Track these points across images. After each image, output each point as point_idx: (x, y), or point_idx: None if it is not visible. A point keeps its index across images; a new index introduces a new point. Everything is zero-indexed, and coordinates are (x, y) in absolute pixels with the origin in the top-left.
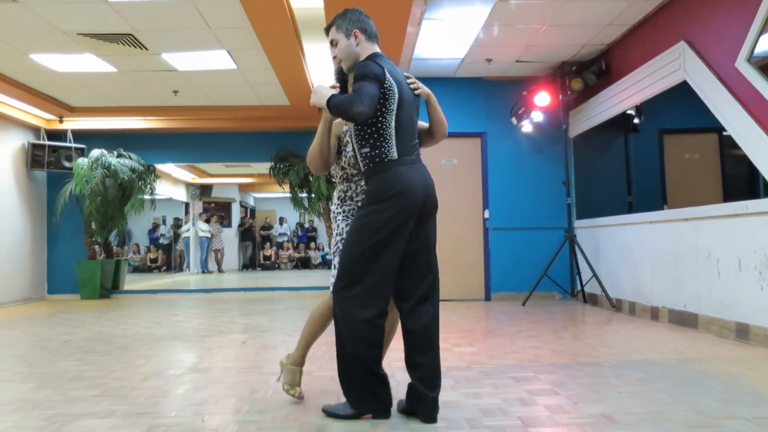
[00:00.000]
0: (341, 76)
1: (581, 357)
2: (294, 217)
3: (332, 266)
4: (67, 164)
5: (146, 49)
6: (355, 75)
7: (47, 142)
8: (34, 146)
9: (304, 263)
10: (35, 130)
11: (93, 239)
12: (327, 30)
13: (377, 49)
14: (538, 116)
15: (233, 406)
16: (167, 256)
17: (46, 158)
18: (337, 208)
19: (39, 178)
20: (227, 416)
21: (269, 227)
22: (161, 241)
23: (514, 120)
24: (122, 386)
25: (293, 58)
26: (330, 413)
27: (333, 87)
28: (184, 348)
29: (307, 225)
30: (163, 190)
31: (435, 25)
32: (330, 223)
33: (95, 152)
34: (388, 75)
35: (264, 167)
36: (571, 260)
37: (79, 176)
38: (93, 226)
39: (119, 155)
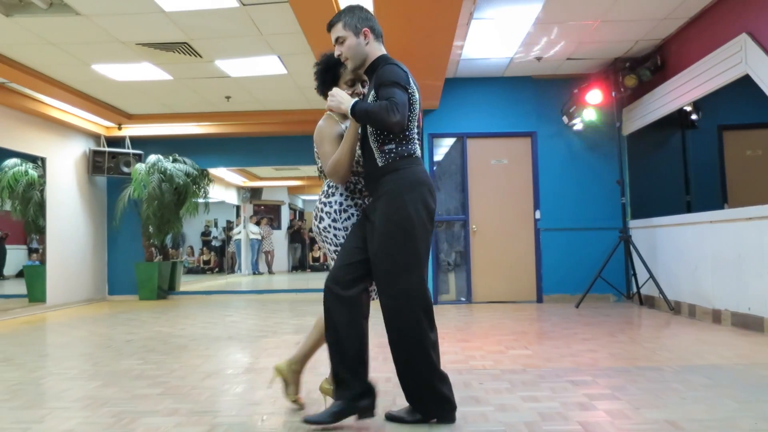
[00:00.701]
0: (325, 75)
1: (640, 361)
2: None
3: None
4: (125, 170)
5: (200, 56)
6: (384, 80)
7: (107, 149)
8: (95, 153)
9: None
10: (96, 138)
11: (150, 242)
12: (331, 26)
13: (384, 50)
14: (590, 114)
15: (290, 407)
16: (219, 258)
17: (106, 164)
18: (346, 200)
19: (99, 184)
20: (285, 417)
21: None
22: (213, 243)
23: (565, 119)
24: (183, 385)
25: None
26: (314, 421)
27: (356, 93)
28: (240, 348)
29: None
30: (215, 193)
31: (484, 25)
32: None
33: (152, 158)
34: (411, 79)
35: (312, 170)
36: (627, 261)
37: (137, 181)
38: (150, 229)
39: (174, 160)
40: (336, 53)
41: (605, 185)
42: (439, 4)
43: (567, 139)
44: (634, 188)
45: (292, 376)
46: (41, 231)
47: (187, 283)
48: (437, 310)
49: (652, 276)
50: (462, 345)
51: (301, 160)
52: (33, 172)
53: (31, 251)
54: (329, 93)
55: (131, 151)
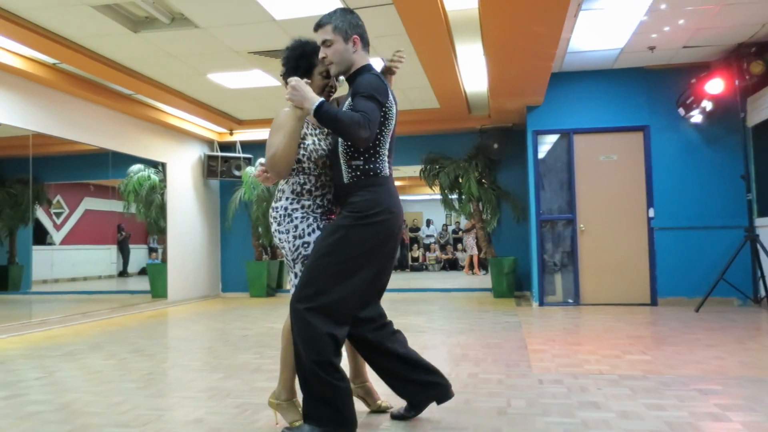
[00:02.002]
0: (299, 62)
1: None
2: (440, 218)
3: (293, 274)
4: (236, 173)
5: None
6: (362, 91)
7: (220, 153)
8: (209, 157)
9: (451, 265)
10: (209, 143)
11: (259, 242)
12: (320, 26)
13: (369, 59)
14: (709, 105)
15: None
16: None
17: (219, 168)
18: (291, 204)
19: (213, 187)
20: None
21: (417, 229)
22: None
23: (681, 111)
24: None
25: (445, 61)
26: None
27: (329, 86)
28: (347, 344)
29: (453, 226)
30: None
31: (593, 15)
32: (476, 222)
33: (261, 161)
34: (390, 93)
35: (412, 170)
36: (753, 262)
37: (247, 184)
38: (259, 230)
39: None
40: (321, 55)
41: (727, 181)
42: None
43: (683, 133)
44: (762, 184)
45: (361, 390)
46: (162, 231)
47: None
48: (542, 311)
49: None
50: (574, 348)
51: (402, 160)
52: (155, 177)
53: (151, 250)
54: (291, 84)
55: (242, 155)
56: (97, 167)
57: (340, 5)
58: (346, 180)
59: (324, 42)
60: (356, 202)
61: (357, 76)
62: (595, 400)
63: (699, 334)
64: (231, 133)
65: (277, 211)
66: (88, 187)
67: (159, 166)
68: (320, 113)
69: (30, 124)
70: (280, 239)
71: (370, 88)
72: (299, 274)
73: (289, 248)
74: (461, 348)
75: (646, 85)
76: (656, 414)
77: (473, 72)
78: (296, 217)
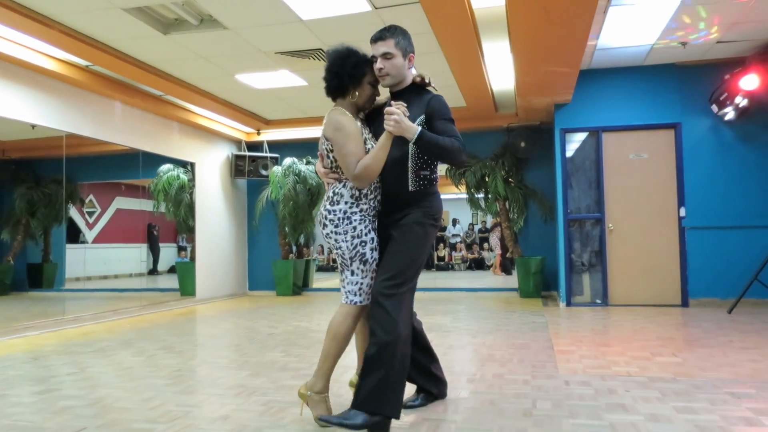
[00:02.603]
0: (359, 69)
1: None
2: (466, 218)
3: (349, 272)
4: (263, 172)
5: None
6: (444, 115)
7: (247, 153)
8: (237, 157)
9: (477, 264)
10: (237, 143)
11: (286, 240)
12: (382, 39)
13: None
14: (743, 102)
15: (428, 405)
16: None
17: (246, 167)
18: (351, 207)
19: (240, 186)
20: (423, 414)
21: (443, 228)
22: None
23: (714, 107)
24: None
25: (472, 60)
26: (339, 422)
27: (400, 105)
28: None
29: (479, 225)
30: None
31: (623, 11)
32: (502, 222)
33: (287, 160)
34: None
35: (438, 169)
36: None
37: (275, 183)
38: (286, 229)
39: (308, 162)
40: (378, 66)
41: (761, 179)
42: None
43: (717, 130)
44: None
45: None
46: (191, 230)
47: (318, 280)
48: (570, 311)
49: None
50: (602, 349)
51: None
52: (184, 177)
53: (180, 249)
54: (390, 111)
55: (269, 155)
56: (127, 167)
57: (368, 7)
58: (411, 188)
59: (385, 54)
60: (431, 206)
61: (407, 91)
62: (623, 402)
63: (732, 336)
64: (258, 133)
65: (335, 214)
66: (119, 186)
67: (188, 166)
68: (422, 140)
69: (64, 125)
70: (336, 240)
71: (448, 111)
72: (356, 271)
73: (347, 247)
74: (487, 348)
75: (678, 82)
76: (686, 417)
77: (500, 70)
78: (355, 220)
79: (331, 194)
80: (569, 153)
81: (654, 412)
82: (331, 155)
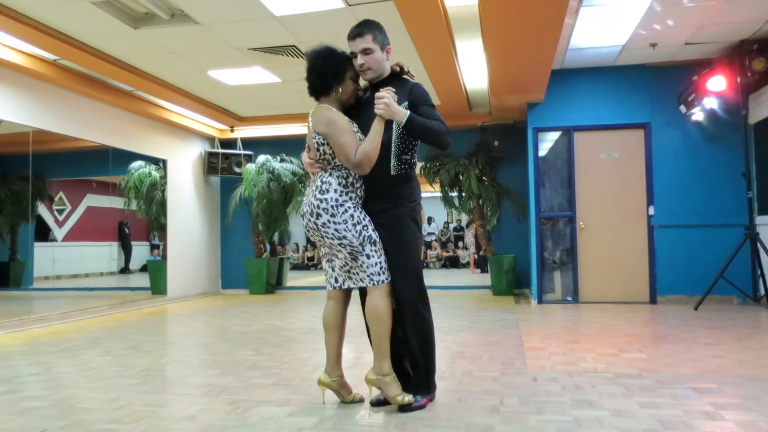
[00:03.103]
0: (342, 66)
1: None
2: (441, 216)
3: (364, 257)
4: (237, 170)
5: None
6: (427, 101)
7: (221, 150)
8: (210, 154)
9: (452, 262)
10: (210, 140)
11: (260, 239)
12: (360, 36)
13: None
14: (711, 103)
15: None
16: None
17: (219, 165)
18: (341, 196)
19: (213, 183)
20: (391, 410)
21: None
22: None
23: (682, 108)
24: (294, 377)
25: (446, 58)
26: (418, 407)
27: (392, 91)
28: (346, 342)
29: (454, 224)
30: None
31: (594, 12)
32: (476, 220)
33: (261, 158)
34: None
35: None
36: (753, 261)
37: (248, 180)
38: (260, 227)
39: (282, 160)
40: (359, 62)
41: (728, 179)
42: None
43: (685, 130)
44: (762, 181)
45: (336, 384)
46: (163, 228)
47: (293, 278)
48: (541, 309)
49: None
50: (571, 346)
51: None
52: (155, 174)
53: (152, 247)
54: (380, 97)
55: (242, 152)
56: (98, 164)
57: (341, 4)
58: (393, 172)
59: (364, 50)
60: (413, 192)
61: (386, 81)
62: (589, 398)
63: (697, 332)
64: (232, 130)
65: (327, 203)
66: (90, 183)
67: (160, 163)
68: (412, 124)
69: (30, 120)
70: (336, 230)
71: (429, 97)
72: (371, 254)
73: (353, 236)
74: (458, 345)
75: (648, 82)
76: (650, 412)
77: (474, 69)
78: (349, 207)
79: (319, 183)
80: (542, 152)
81: (619, 407)
82: (321, 148)
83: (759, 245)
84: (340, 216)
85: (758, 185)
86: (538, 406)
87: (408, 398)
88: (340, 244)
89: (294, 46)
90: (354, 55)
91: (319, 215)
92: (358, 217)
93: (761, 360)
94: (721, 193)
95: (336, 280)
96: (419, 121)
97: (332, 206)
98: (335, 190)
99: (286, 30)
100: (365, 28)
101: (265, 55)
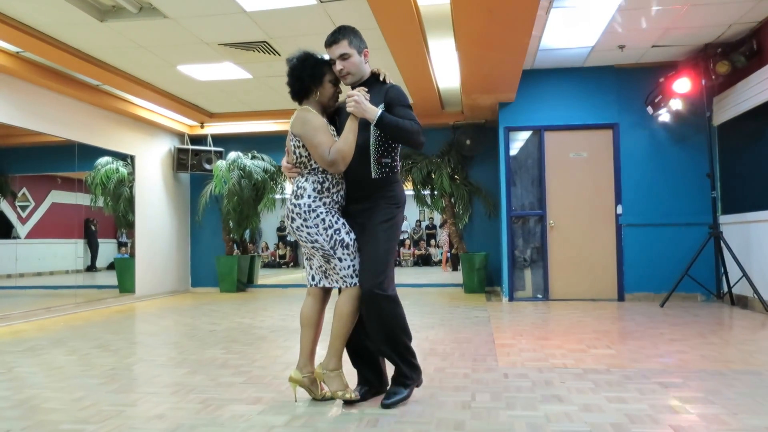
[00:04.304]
0: (317, 69)
1: (736, 364)
2: (413, 214)
3: (336, 260)
4: (207, 167)
5: (279, 54)
6: (402, 101)
7: (190, 147)
8: (179, 150)
9: (424, 260)
10: (180, 136)
11: (230, 236)
12: (336, 42)
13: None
14: (677, 104)
15: (368, 399)
16: (295, 253)
17: (189, 161)
18: (314, 201)
19: (183, 180)
20: (363, 407)
21: None
22: (289, 238)
23: (649, 109)
24: (265, 375)
25: (418, 56)
26: (400, 399)
27: (365, 90)
28: (322, 340)
29: (426, 222)
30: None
31: (564, 13)
32: (448, 218)
33: (232, 155)
34: None
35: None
36: (717, 259)
37: (219, 177)
38: (230, 224)
39: (253, 157)
40: (338, 68)
41: (693, 179)
42: None
43: (652, 131)
44: (726, 182)
45: (307, 380)
46: (130, 225)
47: (264, 276)
48: (512, 306)
49: (745, 274)
50: (541, 343)
51: None
52: (123, 170)
53: (120, 245)
54: (351, 95)
55: (213, 148)
56: (63, 159)
57: (313, 0)
58: (374, 175)
59: (342, 56)
60: (395, 195)
61: (367, 84)
62: (558, 393)
63: (663, 328)
64: (202, 126)
65: (300, 208)
66: (55, 179)
67: (127, 159)
68: (383, 122)
69: None
70: (309, 233)
71: (407, 99)
72: (343, 257)
73: (324, 239)
74: (430, 343)
75: (616, 84)
76: (617, 407)
77: (446, 68)
78: (321, 212)
79: (295, 188)
80: (513, 151)
81: (587, 402)
82: (297, 151)
83: (722, 244)
84: (312, 221)
85: (722, 185)
86: (508, 401)
87: (350, 395)
88: (313, 247)
89: (265, 42)
90: (333, 61)
91: (293, 219)
92: (330, 221)
93: (723, 355)
94: (686, 193)
95: (313, 278)
96: (390, 119)
97: (305, 211)
98: (309, 196)
99: (257, 26)
100: (340, 34)
101: (236, 50)
